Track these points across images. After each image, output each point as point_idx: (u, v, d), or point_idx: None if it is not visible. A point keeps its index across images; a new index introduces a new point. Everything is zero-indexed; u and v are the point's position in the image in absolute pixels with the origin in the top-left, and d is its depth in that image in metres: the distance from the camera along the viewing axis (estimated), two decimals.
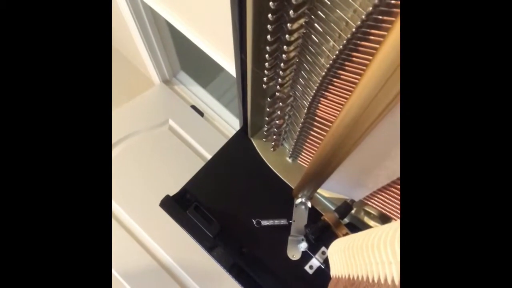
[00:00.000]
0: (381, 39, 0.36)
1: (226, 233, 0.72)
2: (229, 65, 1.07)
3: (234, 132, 1.83)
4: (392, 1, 0.32)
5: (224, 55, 1.07)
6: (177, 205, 0.72)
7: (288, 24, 0.42)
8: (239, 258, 0.71)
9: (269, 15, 0.43)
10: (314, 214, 0.74)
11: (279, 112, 0.64)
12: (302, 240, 0.71)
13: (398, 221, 0.38)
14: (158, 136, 1.66)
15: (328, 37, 0.42)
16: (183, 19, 1.08)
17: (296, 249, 0.72)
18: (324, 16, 0.40)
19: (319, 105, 0.54)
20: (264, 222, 0.73)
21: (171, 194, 0.75)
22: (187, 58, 1.88)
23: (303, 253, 0.72)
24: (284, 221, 0.73)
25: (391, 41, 0.30)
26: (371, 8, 0.33)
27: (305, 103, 0.56)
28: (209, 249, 0.71)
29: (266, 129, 0.74)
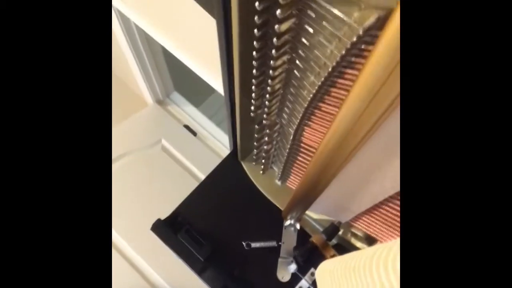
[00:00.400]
0: (354, 77, 0.39)
1: (217, 256, 0.73)
2: (221, 86, 1.10)
3: (226, 151, 1.85)
4: (363, 46, 0.35)
5: (215, 77, 1.10)
6: (168, 229, 0.73)
7: (272, 61, 0.46)
8: (230, 281, 0.72)
9: (254, 53, 0.46)
10: (303, 236, 0.76)
11: (267, 138, 0.67)
12: (292, 261, 0.73)
13: (380, 245, 0.40)
14: (151, 156, 1.67)
15: (308, 73, 0.45)
16: (176, 43, 1.12)
17: (285, 271, 0.73)
18: (304, 55, 0.43)
19: (304, 132, 0.57)
20: (254, 245, 0.74)
21: (163, 215, 0.76)
22: (180, 79, 1.91)
23: (293, 274, 0.73)
24: (273, 243, 0.75)
25: (363, 79, 0.33)
26: (344, 52, 0.36)
27: (291, 130, 0.59)
28: (200, 272, 0.72)
29: (255, 153, 0.77)
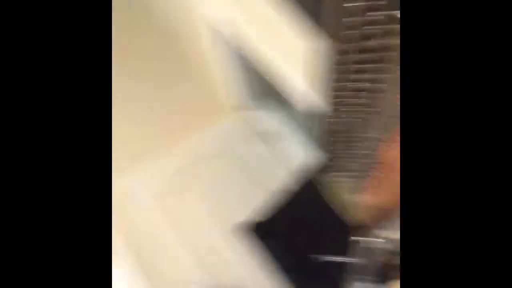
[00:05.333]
0: None
1: (294, 266, 0.75)
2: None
3: (300, 160, 1.81)
4: None
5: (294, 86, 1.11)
6: (255, 234, 0.78)
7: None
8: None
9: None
10: (374, 254, 0.74)
11: (344, 152, 0.67)
12: (363, 279, 0.71)
13: None
14: (224, 163, 1.74)
15: None
16: (264, 53, 1.14)
17: None
18: None
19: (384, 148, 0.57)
20: (324, 258, 0.75)
21: (233, 220, 0.80)
22: (259, 86, 1.95)
23: None
24: (346, 259, 0.74)
25: None
26: None
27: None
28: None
29: (332, 165, 0.78)
